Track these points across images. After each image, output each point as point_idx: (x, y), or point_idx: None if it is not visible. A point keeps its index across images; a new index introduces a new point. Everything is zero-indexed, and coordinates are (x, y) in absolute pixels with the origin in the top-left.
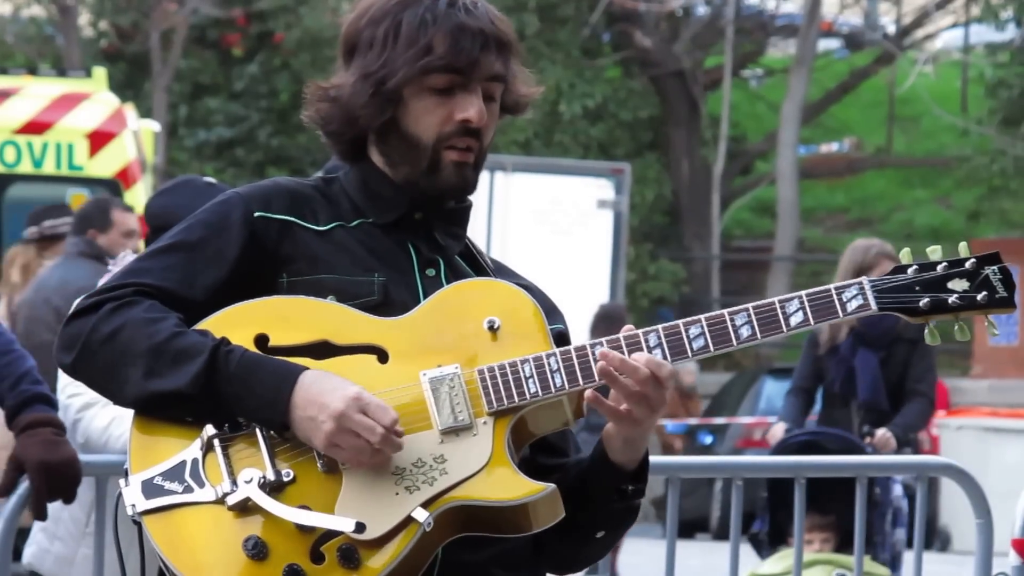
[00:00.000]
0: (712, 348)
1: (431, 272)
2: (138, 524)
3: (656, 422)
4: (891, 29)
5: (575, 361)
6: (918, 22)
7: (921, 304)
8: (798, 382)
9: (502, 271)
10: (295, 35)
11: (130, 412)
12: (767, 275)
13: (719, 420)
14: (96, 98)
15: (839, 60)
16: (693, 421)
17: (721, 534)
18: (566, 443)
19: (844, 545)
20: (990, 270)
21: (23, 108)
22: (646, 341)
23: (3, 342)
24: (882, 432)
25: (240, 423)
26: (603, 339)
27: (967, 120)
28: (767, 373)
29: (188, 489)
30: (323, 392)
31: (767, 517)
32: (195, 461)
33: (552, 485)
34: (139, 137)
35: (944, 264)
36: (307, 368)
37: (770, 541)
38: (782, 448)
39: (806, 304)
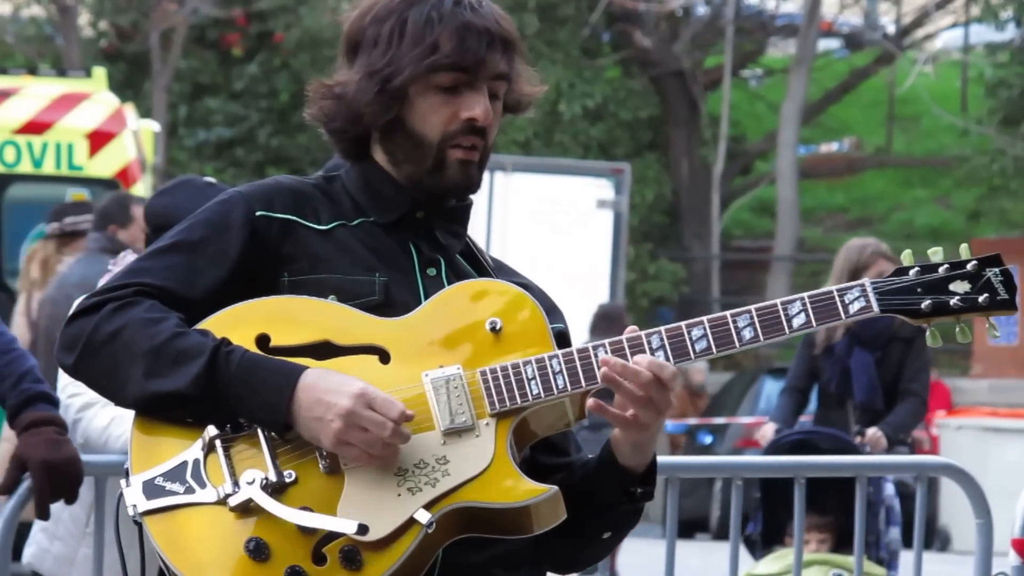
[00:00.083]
0: (715, 350)
1: (432, 271)
2: (139, 524)
3: (663, 424)
4: (891, 29)
5: (577, 363)
6: (918, 22)
7: (923, 306)
8: (792, 381)
9: (502, 269)
10: (295, 35)
11: (130, 412)
12: (767, 275)
13: (719, 420)
14: (96, 98)
15: (839, 60)
16: (693, 421)
17: (721, 534)
18: (567, 442)
19: (840, 545)
20: (991, 272)
21: (23, 108)
22: (649, 343)
23: (4, 341)
24: (873, 431)
25: (242, 424)
26: (606, 341)
27: (967, 120)
28: (767, 373)
29: (189, 490)
30: (328, 391)
31: (760, 517)
32: (196, 462)
33: (555, 487)
34: (139, 137)
35: (946, 266)
36: (307, 368)
37: (764, 542)
38: (775, 448)
39: (808, 306)
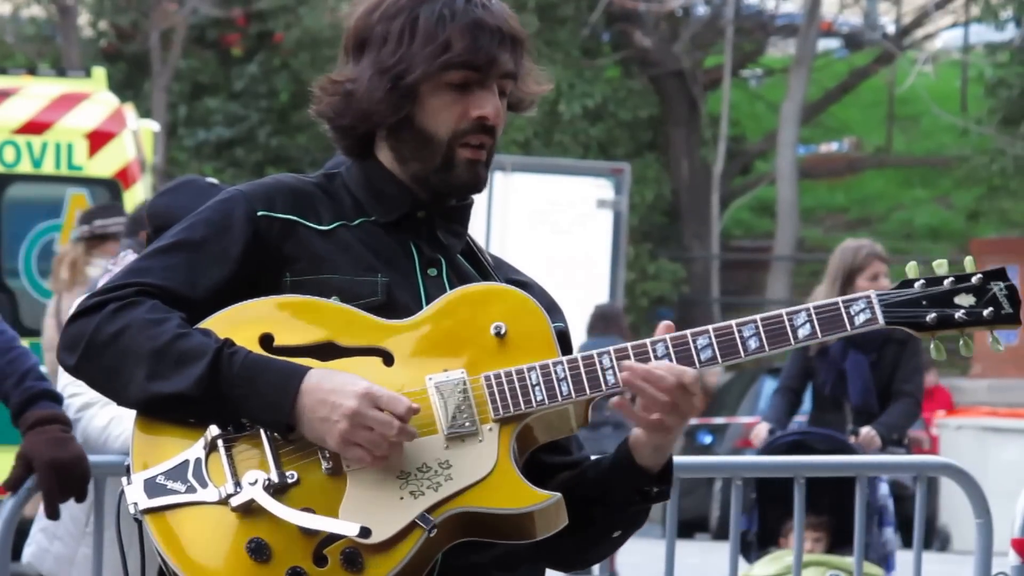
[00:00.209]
0: (720, 359)
1: (433, 272)
2: (139, 523)
3: (685, 426)
4: (891, 29)
5: (582, 370)
6: (918, 22)
7: (928, 319)
8: (785, 381)
9: (501, 267)
10: (295, 35)
11: (130, 412)
12: (767, 275)
13: (718, 420)
14: (95, 98)
15: (839, 60)
16: (693, 421)
17: (720, 534)
18: (569, 441)
19: (836, 545)
20: (996, 286)
21: (22, 108)
22: (653, 351)
23: (6, 340)
24: (867, 430)
25: (244, 424)
26: (610, 348)
27: (967, 120)
28: (767, 373)
29: (191, 489)
30: (332, 391)
31: (755, 517)
32: (198, 461)
33: (557, 494)
34: (139, 137)
35: (951, 279)
36: (311, 368)
37: (759, 543)
38: (770, 448)
39: (814, 317)
